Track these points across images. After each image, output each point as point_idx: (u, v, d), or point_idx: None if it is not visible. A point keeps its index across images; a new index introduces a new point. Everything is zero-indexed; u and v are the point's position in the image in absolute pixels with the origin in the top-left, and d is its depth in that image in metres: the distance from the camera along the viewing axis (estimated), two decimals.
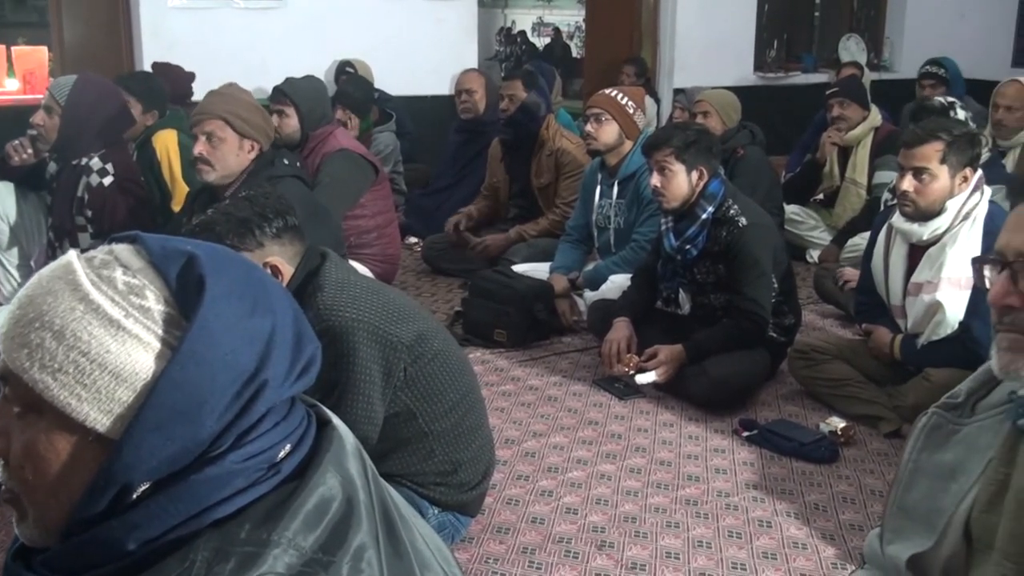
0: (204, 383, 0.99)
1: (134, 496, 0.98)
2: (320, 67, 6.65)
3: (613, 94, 4.72)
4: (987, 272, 1.43)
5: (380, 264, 4.67)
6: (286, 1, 6.97)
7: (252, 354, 1.03)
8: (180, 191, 4.65)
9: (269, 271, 2.33)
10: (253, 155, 3.69)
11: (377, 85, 6.86)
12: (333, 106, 5.60)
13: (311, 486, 1.06)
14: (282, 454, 1.08)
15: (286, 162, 3.85)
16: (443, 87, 6.67)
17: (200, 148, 3.59)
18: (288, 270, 2.36)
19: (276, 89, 4.66)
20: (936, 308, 3.45)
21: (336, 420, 1.21)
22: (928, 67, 6.97)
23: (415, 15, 7.45)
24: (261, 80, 4.26)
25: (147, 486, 0.98)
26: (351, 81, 6.41)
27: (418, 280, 5.46)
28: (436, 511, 2.54)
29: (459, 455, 2.55)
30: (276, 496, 1.05)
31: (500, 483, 3.09)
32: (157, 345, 0.96)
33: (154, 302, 0.97)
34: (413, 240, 6.04)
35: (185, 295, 0.99)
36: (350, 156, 4.62)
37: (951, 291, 3.39)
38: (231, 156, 3.63)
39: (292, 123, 4.61)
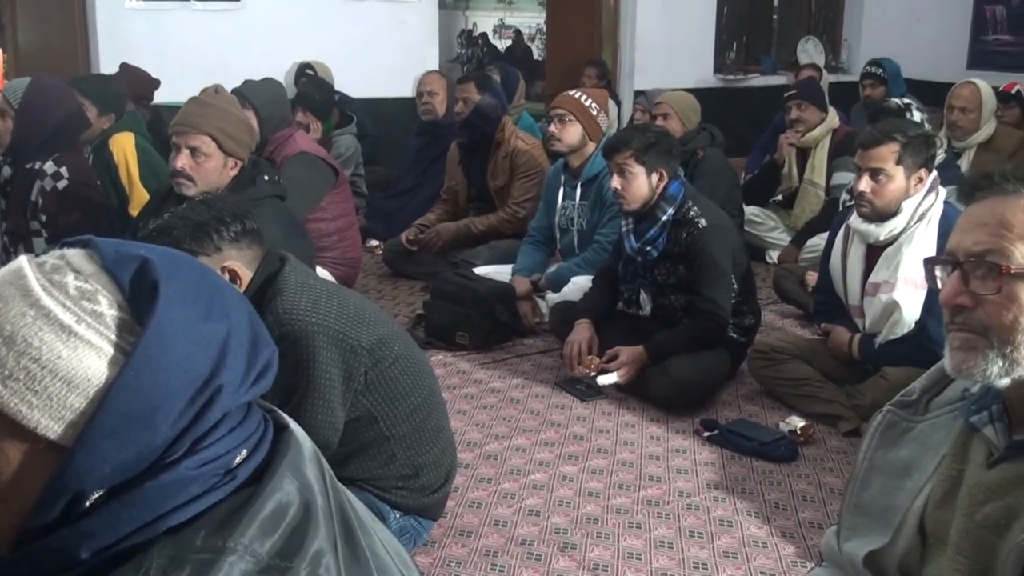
0: (158, 388, 0.98)
1: (87, 504, 0.97)
2: (280, 69, 6.62)
3: (577, 95, 4.74)
4: (938, 272, 1.45)
5: (341, 267, 4.65)
6: (245, 2, 6.93)
7: (207, 359, 1.02)
8: (138, 195, 4.60)
9: (227, 275, 2.32)
10: (235, 172, 3.59)
11: (337, 87, 6.83)
12: (293, 109, 5.57)
13: (268, 492, 1.06)
14: (238, 460, 1.07)
15: (266, 178, 3.76)
16: (404, 89, 6.66)
17: (183, 162, 3.45)
18: (247, 274, 2.35)
19: (234, 92, 4.61)
20: (893, 308, 3.49)
21: (293, 425, 1.21)
22: (868, 67, 7.09)
23: (375, 17, 7.43)
24: (220, 82, 4.22)
25: (100, 493, 0.97)
26: (311, 83, 6.38)
27: (379, 283, 5.44)
28: (398, 515, 2.53)
29: (421, 459, 2.54)
30: (232, 502, 1.04)
31: (462, 486, 3.09)
32: (110, 350, 0.95)
33: (107, 307, 0.96)
34: (374, 243, 6.01)
35: (138, 300, 0.98)
36: (310, 159, 4.59)
37: (908, 291, 3.43)
38: (214, 174, 3.51)
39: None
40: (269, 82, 4.85)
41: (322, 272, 4.32)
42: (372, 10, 7.42)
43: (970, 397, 1.50)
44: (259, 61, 6.32)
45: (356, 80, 7.11)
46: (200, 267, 1.12)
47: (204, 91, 3.76)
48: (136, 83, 5.57)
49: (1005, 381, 1.35)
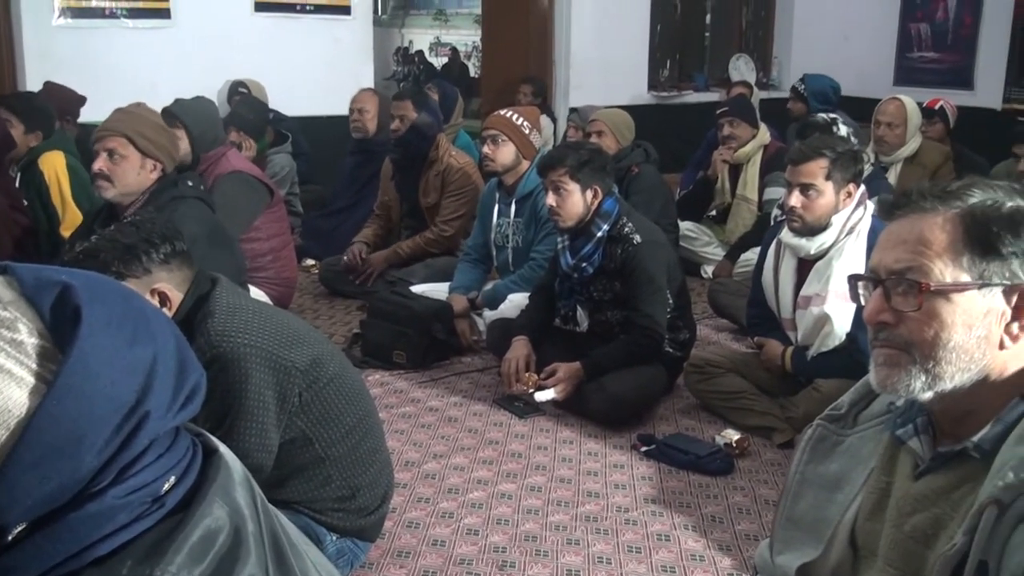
0: (82, 417, 0.96)
1: (9, 538, 0.95)
2: (212, 87, 6.55)
3: (509, 115, 4.75)
4: (861, 290, 1.48)
5: (276, 287, 4.61)
6: (176, 20, 6.85)
7: (132, 385, 1.01)
8: (71, 215, 4.52)
9: (157, 298, 2.29)
10: (156, 175, 3.67)
11: (271, 105, 6.78)
12: (226, 128, 5.52)
13: (196, 518, 1.04)
14: (166, 487, 1.06)
15: (190, 183, 3.79)
16: (340, 107, 6.60)
17: (100, 164, 3.56)
18: (177, 296, 2.31)
19: (165, 111, 4.55)
20: (824, 320, 3.55)
21: (223, 449, 1.19)
22: (795, 83, 7.25)
23: (309, 34, 7.39)
24: (151, 101, 4.16)
25: (23, 527, 0.95)
26: (244, 102, 6.32)
27: (315, 303, 5.40)
28: (334, 537, 2.51)
29: (357, 480, 2.52)
30: (160, 530, 1.03)
31: (400, 506, 3.07)
32: (31, 380, 0.93)
33: (27, 335, 0.94)
34: (310, 262, 5.97)
35: (60, 327, 0.96)
36: (243, 178, 4.55)
37: (838, 304, 3.48)
38: (131, 174, 3.61)
39: (183, 145, 4.51)
40: (200, 100, 4.79)
41: (256, 292, 4.30)
42: (306, 28, 7.38)
43: (896, 410, 1.53)
44: (191, 79, 6.25)
45: (290, 98, 7.06)
46: (125, 291, 1.10)
47: (127, 105, 3.81)
48: (61, 100, 5.48)
49: (928, 395, 1.38)
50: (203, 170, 4.52)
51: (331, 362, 2.47)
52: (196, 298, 2.34)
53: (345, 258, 5.39)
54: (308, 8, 7.39)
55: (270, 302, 4.30)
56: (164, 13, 6.81)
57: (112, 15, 6.66)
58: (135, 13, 6.73)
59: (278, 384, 2.31)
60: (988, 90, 8.49)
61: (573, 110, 6.48)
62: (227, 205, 4.37)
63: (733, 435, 3.54)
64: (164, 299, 2.29)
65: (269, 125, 6.41)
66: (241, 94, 6.66)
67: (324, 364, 2.43)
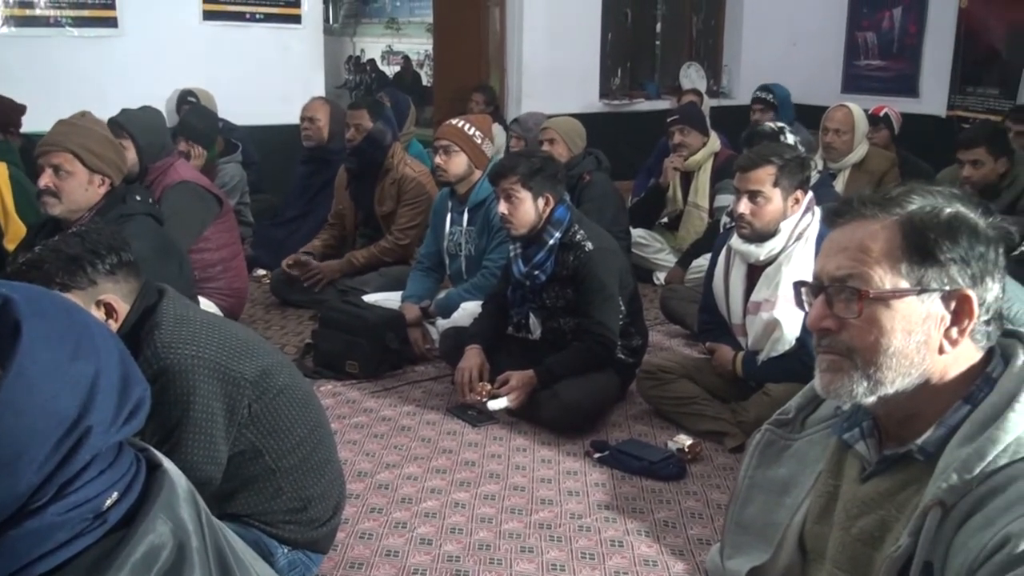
0: (22, 433, 0.95)
1: None
2: (160, 97, 6.48)
3: (460, 125, 4.74)
4: (804, 296, 1.50)
5: (226, 298, 4.56)
6: (123, 29, 6.77)
7: (74, 400, 1.00)
8: (14, 228, 4.44)
9: (103, 309, 2.26)
10: (103, 190, 3.62)
11: (221, 115, 6.72)
12: (175, 138, 5.47)
13: (139, 535, 1.03)
14: (108, 503, 1.05)
15: (138, 198, 3.74)
16: (290, 116, 6.56)
17: (46, 180, 3.50)
18: (123, 308, 2.28)
19: (111, 121, 4.49)
20: (774, 325, 3.59)
21: (167, 463, 1.18)
22: (758, 93, 7.32)
23: (259, 43, 7.34)
24: (98, 110, 4.11)
25: None
26: (194, 111, 6.26)
27: (267, 313, 5.36)
28: (286, 550, 2.48)
29: (308, 491, 2.50)
30: (102, 547, 1.02)
31: (353, 517, 3.05)
32: None
33: None
34: (261, 272, 5.92)
35: None
36: (192, 188, 4.50)
37: (787, 309, 3.52)
38: (79, 190, 3.57)
39: (130, 156, 4.45)
40: (147, 110, 4.73)
41: (207, 303, 4.26)
42: (256, 36, 7.33)
43: (842, 414, 1.55)
44: (138, 88, 6.18)
45: (240, 107, 7.00)
46: (67, 305, 1.09)
47: (71, 116, 3.74)
48: (1, 111, 5.38)
49: (871, 400, 1.39)
50: (151, 181, 4.47)
51: (281, 373, 2.45)
52: (143, 310, 2.31)
53: (283, 265, 5.34)
54: (257, 17, 7.34)
55: (220, 313, 4.27)
56: (111, 22, 6.72)
57: (57, 24, 6.57)
58: (81, 22, 6.64)
59: (226, 396, 2.28)
60: (933, 97, 8.65)
61: (515, 120, 6.49)
62: (176, 216, 4.33)
63: (685, 440, 3.57)
64: (110, 311, 2.26)
65: (219, 134, 6.35)
66: (190, 103, 6.60)
67: (274, 375, 2.41)
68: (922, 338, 1.37)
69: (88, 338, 1.05)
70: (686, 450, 3.52)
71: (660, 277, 5.97)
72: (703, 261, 5.03)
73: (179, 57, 6.96)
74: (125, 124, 4.44)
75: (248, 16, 7.31)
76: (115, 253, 2.29)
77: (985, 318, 1.39)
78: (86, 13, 6.65)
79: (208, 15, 7.15)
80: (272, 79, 7.34)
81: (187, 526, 1.09)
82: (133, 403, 1.09)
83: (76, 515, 1.01)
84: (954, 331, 1.38)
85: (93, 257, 2.25)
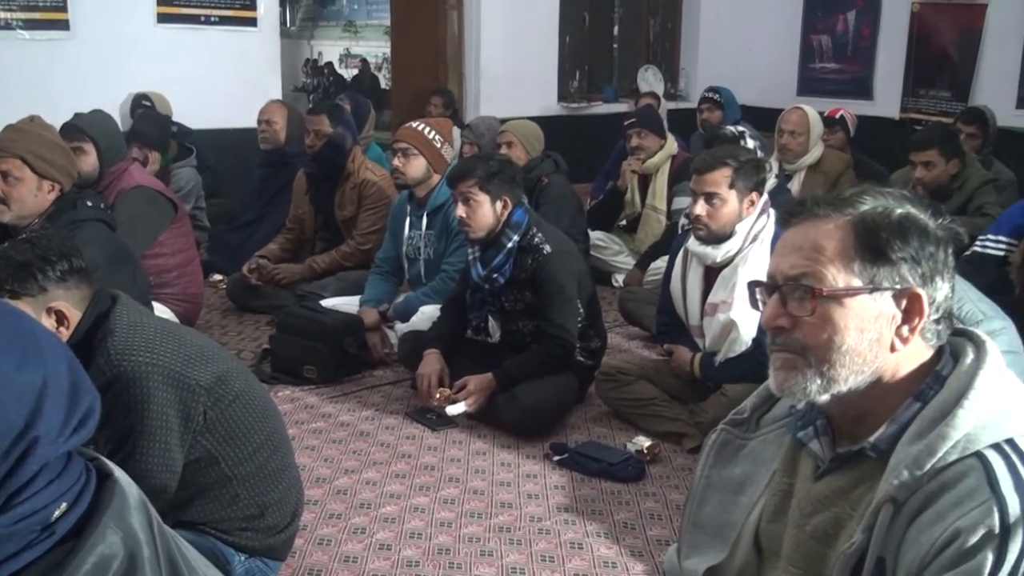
0: None
1: None
2: (113, 101, 6.39)
3: (419, 128, 4.71)
4: (759, 295, 1.51)
5: (182, 304, 4.52)
6: (75, 32, 6.67)
7: (21, 410, 0.98)
8: None
9: (54, 316, 2.23)
10: (53, 196, 3.61)
11: (176, 118, 6.66)
12: (128, 143, 5.41)
13: (89, 545, 1.02)
14: (57, 513, 1.03)
15: (89, 204, 3.70)
16: (247, 120, 6.51)
17: None
18: (75, 315, 2.25)
19: (70, 125, 4.44)
20: (731, 327, 3.62)
21: (118, 472, 1.17)
22: (706, 93, 7.40)
23: (214, 46, 7.27)
24: (48, 115, 4.06)
25: None
26: (146, 117, 6.19)
27: (223, 319, 5.31)
28: (243, 558, 2.46)
29: (265, 498, 2.48)
30: (50, 559, 1.00)
31: (311, 523, 3.03)
32: None
33: None
34: (218, 277, 5.86)
35: None
36: (147, 193, 4.46)
37: (744, 310, 3.55)
38: (28, 197, 3.55)
39: (91, 160, 4.40)
40: (101, 114, 4.69)
41: (162, 309, 4.21)
42: (211, 39, 7.26)
43: (796, 413, 1.56)
44: (91, 92, 6.09)
45: (196, 111, 6.93)
46: (13, 313, 1.08)
47: (20, 121, 3.71)
48: None
49: (824, 398, 1.41)
50: (105, 185, 4.43)
51: (237, 379, 2.43)
52: (95, 316, 2.28)
53: (244, 270, 5.31)
54: (212, 20, 7.27)
55: (176, 319, 4.23)
56: (63, 24, 6.63)
57: (7, 26, 6.46)
58: (32, 24, 6.54)
59: (181, 403, 2.26)
60: (886, 99, 8.76)
61: (467, 126, 6.49)
62: (130, 221, 4.29)
63: (644, 442, 3.58)
64: (61, 318, 2.23)
65: (173, 139, 6.30)
66: (144, 107, 6.53)
67: (229, 381, 2.39)
68: (874, 336, 1.39)
69: (35, 347, 1.03)
70: (645, 451, 3.54)
71: (619, 279, 5.99)
72: (661, 263, 5.05)
73: (132, 60, 6.87)
74: (85, 127, 4.40)
75: (203, 19, 7.24)
76: (66, 260, 2.26)
77: (935, 317, 1.41)
78: (37, 15, 6.55)
79: (162, 17, 7.07)
80: (228, 82, 7.28)
81: (138, 536, 1.08)
82: (82, 412, 1.08)
83: (23, 527, 0.99)
84: (905, 329, 1.39)
85: (43, 264, 2.22)
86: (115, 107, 6.26)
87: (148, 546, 1.09)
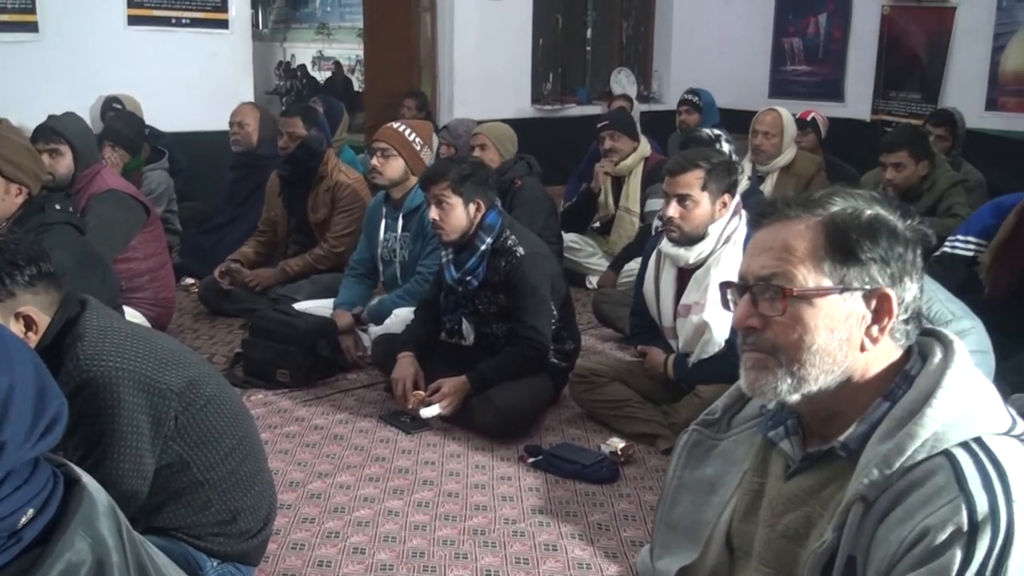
0: None
1: None
2: (83, 104, 6.33)
3: (401, 129, 4.69)
4: (730, 296, 1.52)
5: (154, 308, 4.49)
6: (44, 34, 6.62)
7: None
8: None
9: (22, 321, 2.20)
10: (21, 199, 3.57)
11: (147, 121, 6.61)
12: (100, 142, 5.37)
13: (57, 552, 1.01)
14: (24, 520, 1.02)
15: (58, 207, 3.67)
16: (219, 122, 6.47)
17: None
18: (43, 319, 2.23)
19: (45, 127, 4.40)
20: (704, 328, 3.63)
21: (86, 478, 1.16)
22: (685, 95, 7.43)
23: (185, 48, 7.23)
24: (17, 118, 4.03)
25: None
26: (120, 117, 6.15)
27: (195, 323, 5.27)
28: (215, 563, 2.44)
29: (238, 502, 2.46)
30: (17, 566, 0.99)
31: (284, 528, 3.01)
32: None
33: None
34: (190, 281, 5.82)
35: None
36: (119, 197, 4.42)
37: (717, 311, 3.56)
38: None
39: (66, 162, 4.37)
40: (72, 116, 4.65)
41: (133, 314, 4.18)
42: (182, 42, 7.22)
43: (767, 413, 1.57)
44: (60, 95, 6.03)
45: (167, 113, 6.89)
46: None
47: None
48: None
49: (795, 397, 1.42)
50: (77, 189, 4.39)
51: (208, 383, 2.41)
52: (64, 321, 2.25)
53: (216, 274, 5.28)
54: (183, 22, 7.23)
55: (148, 324, 4.20)
56: (31, 26, 6.57)
57: None
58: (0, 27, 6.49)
59: (152, 408, 2.24)
60: (858, 102, 8.84)
61: (444, 127, 6.49)
62: (102, 225, 4.26)
63: (618, 443, 3.59)
64: (30, 323, 2.20)
65: (145, 141, 6.25)
66: (115, 110, 6.47)
67: (201, 386, 2.37)
68: (844, 336, 1.40)
69: (2, 352, 1.02)
70: (619, 453, 3.54)
71: (592, 281, 6.00)
72: (635, 265, 5.06)
73: (103, 63, 6.82)
74: (61, 129, 4.37)
75: (174, 21, 7.20)
76: (34, 264, 2.23)
77: (904, 317, 1.42)
78: (5, 17, 6.48)
79: (133, 20, 7.02)
80: (199, 85, 7.24)
81: (107, 542, 1.07)
82: (49, 418, 1.07)
83: None
84: (875, 329, 1.40)
85: (11, 268, 2.19)
86: (85, 110, 6.21)
87: (117, 552, 1.08)
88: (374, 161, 4.60)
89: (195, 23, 7.29)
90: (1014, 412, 1.39)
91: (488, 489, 3.35)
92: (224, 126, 6.06)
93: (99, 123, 6.30)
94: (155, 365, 2.27)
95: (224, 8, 7.40)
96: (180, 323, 5.17)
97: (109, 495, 1.44)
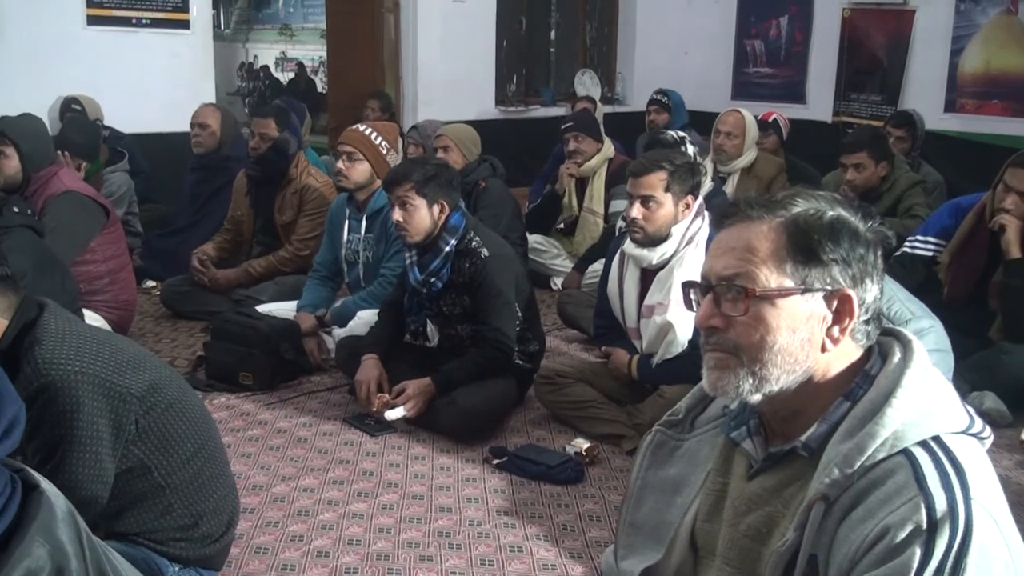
0: None
1: None
2: (42, 104, 6.25)
3: (367, 132, 4.66)
4: (693, 296, 1.52)
5: (115, 311, 4.44)
6: (2, 34, 6.53)
7: None
8: None
9: None
10: None
11: (107, 122, 6.54)
12: (63, 147, 5.30)
13: (15, 560, 0.99)
14: None
15: (16, 210, 3.62)
16: (180, 124, 6.42)
17: None
18: (1, 324, 2.19)
19: None
20: (667, 328, 3.65)
21: (45, 484, 1.14)
22: (655, 95, 7.47)
23: (146, 49, 7.16)
24: None
25: None
26: (74, 124, 6.05)
27: (157, 326, 5.22)
28: (177, 568, 2.42)
29: (200, 507, 2.44)
30: None
31: (247, 532, 2.99)
32: None
33: None
34: (151, 284, 5.77)
35: None
36: (77, 198, 4.36)
37: (680, 312, 3.58)
38: None
39: (13, 164, 4.31)
40: (28, 117, 4.59)
41: (93, 317, 4.14)
42: (142, 42, 7.15)
43: (730, 413, 1.58)
44: (19, 96, 5.96)
45: (128, 115, 6.82)
46: None
47: None
48: None
49: (757, 397, 1.42)
50: (33, 191, 4.33)
51: (169, 387, 2.38)
52: (22, 325, 2.22)
53: (195, 261, 5.24)
54: (144, 22, 7.16)
55: (108, 327, 4.15)
56: None
57: None
58: None
59: (112, 412, 2.21)
60: (819, 103, 8.93)
61: (413, 127, 6.48)
62: (60, 227, 4.21)
63: (583, 444, 3.59)
64: None
65: (103, 143, 6.18)
66: (74, 111, 6.40)
67: (162, 389, 2.35)
68: (806, 336, 1.41)
69: None
70: (583, 453, 3.55)
71: (557, 282, 6.01)
72: (599, 266, 5.07)
73: (62, 63, 6.74)
74: (7, 131, 4.31)
75: (134, 21, 7.13)
76: None
77: (865, 318, 1.43)
78: None
79: (92, 20, 6.95)
80: (160, 86, 7.18)
81: (66, 548, 1.05)
82: (6, 422, 1.05)
83: None
84: (835, 330, 1.42)
85: None
86: (44, 111, 6.13)
87: (76, 559, 1.06)
88: (340, 165, 4.57)
89: (156, 23, 7.23)
90: (971, 410, 1.40)
91: (453, 491, 3.35)
92: (185, 127, 6.01)
93: (58, 124, 6.22)
94: (115, 368, 2.24)
95: (185, 8, 7.34)
96: (142, 326, 5.12)
97: (69, 500, 1.42)
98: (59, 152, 5.33)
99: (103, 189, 5.83)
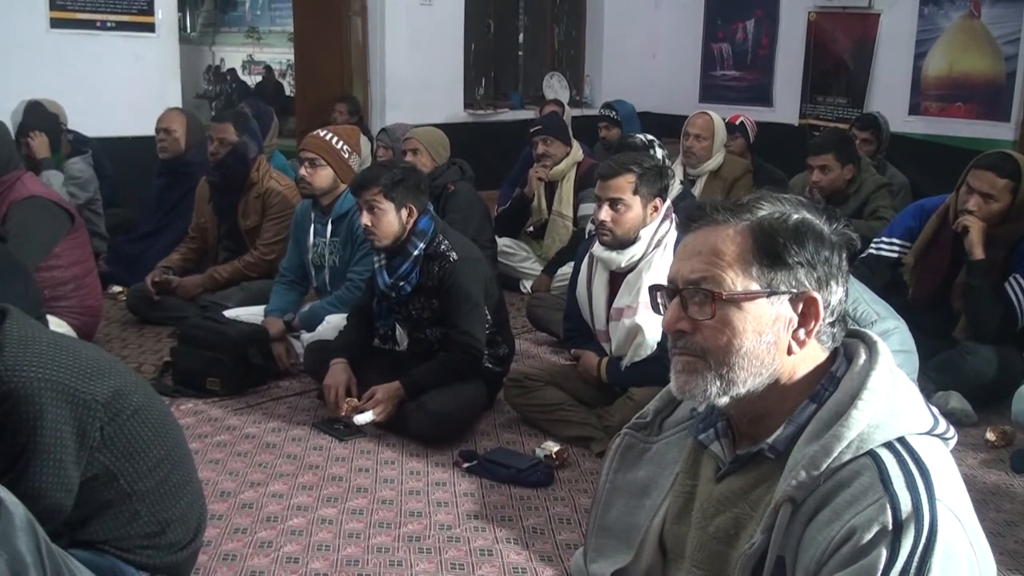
0: None
1: None
2: (4, 109, 6.16)
3: (327, 137, 4.64)
4: (660, 299, 1.53)
5: (79, 317, 4.39)
6: None
7: None
8: None
9: None
10: None
11: (72, 126, 6.46)
12: (19, 138, 5.24)
13: None
14: None
15: None
16: (145, 128, 6.34)
17: None
18: None
19: None
20: (636, 331, 3.65)
21: (3, 492, 1.12)
22: (602, 110, 7.46)
23: (110, 52, 7.08)
24: None
25: None
26: (36, 109, 6.00)
27: (123, 331, 5.17)
28: None
29: (167, 514, 2.41)
30: None
31: (216, 539, 2.97)
32: None
33: None
34: (117, 289, 5.71)
35: None
36: (41, 203, 4.31)
37: (649, 315, 3.59)
38: None
39: None
40: None
41: (58, 323, 4.09)
42: (107, 45, 7.07)
43: (698, 416, 1.59)
44: None
45: (92, 119, 6.73)
46: None
47: None
48: None
49: (724, 400, 1.43)
50: None
51: (135, 393, 2.36)
52: None
53: (147, 282, 5.18)
54: (108, 25, 7.08)
55: (73, 333, 4.11)
56: None
57: None
58: None
59: (76, 419, 2.18)
60: (785, 106, 9.00)
61: (382, 130, 6.46)
62: (24, 232, 4.16)
63: (553, 447, 3.59)
64: None
65: (64, 134, 6.13)
66: None
67: (127, 396, 2.32)
68: (772, 339, 1.41)
69: None
70: (553, 456, 3.55)
71: (527, 285, 6.02)
72: (569, 269, 5.07)
73: (25, 67, 6.65)
74: None
75: (98, 24, 7.05)
76: None
77: (830, 320, 1.44)
78: None
79: (56, 23, 6.86)
80: (125, 90, 7.10)
81: (24, 558, 1.04)
82: None
83: None
84: (801, 332, 1.42)
85: None
86: (6, 116, 6.04)
87: (35, 568, 1.05)
88: (303, 171, 4.54)
89: (120, 26, 7.15)
90: (936, 411, 1.42)
91: (423, 495, 3.34)
92: (151, 131, 5.94)
93: None
94: (79, 375, 2.21)
95: (150, 11, 7.27)
96: (107, 332, 5.07)
97: (31, 509, 1.40)
98: (30, 133, 5.30)
99: (65, 173, 5.82)
